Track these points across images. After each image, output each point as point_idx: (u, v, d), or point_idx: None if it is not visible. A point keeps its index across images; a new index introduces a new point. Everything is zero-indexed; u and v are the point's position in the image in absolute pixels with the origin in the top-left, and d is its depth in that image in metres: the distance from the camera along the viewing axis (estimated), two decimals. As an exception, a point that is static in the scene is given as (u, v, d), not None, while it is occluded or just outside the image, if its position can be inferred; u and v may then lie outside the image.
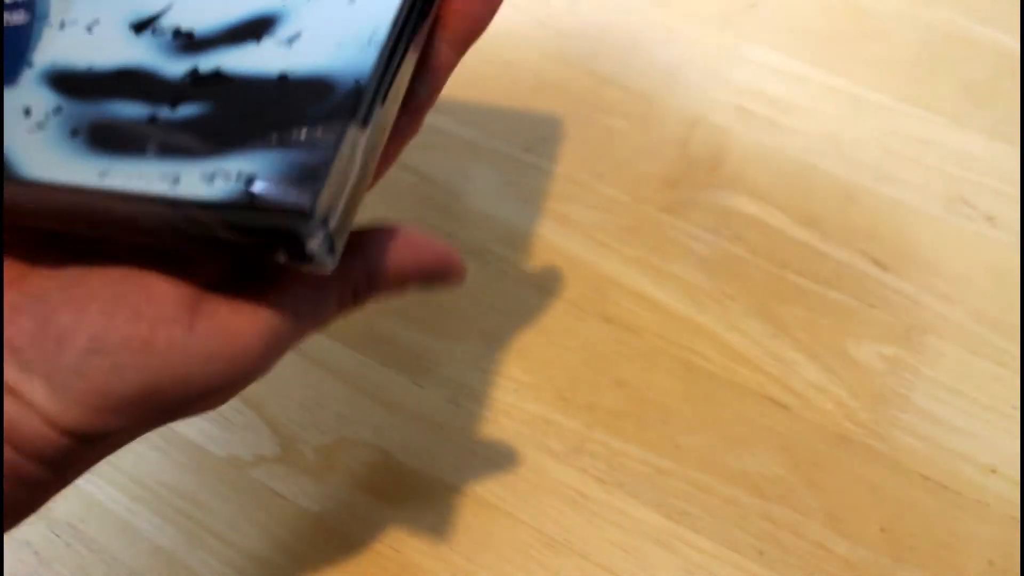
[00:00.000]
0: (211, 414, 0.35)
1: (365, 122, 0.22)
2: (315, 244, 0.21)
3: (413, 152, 0.43)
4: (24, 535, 0.35)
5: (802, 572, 0.32)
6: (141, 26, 0.25)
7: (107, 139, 0.23)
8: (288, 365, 0.36)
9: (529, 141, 0.44)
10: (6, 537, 0.34)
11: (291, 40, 0.24)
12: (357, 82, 0.23)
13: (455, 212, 0.42)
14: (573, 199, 0.42)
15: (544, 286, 0.40)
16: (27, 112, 0.24)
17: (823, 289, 0.40)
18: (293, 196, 0.21)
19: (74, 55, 0.25)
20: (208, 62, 0.24)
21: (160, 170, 0.22)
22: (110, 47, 0.25)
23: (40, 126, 0.24)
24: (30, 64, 0.25)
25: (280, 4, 0.25)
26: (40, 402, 0.21)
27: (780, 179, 0.44)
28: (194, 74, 0.24)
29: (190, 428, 0.36)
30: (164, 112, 0.23)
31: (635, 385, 0.37)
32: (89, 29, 0.26)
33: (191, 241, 0.23)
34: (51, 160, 0.23)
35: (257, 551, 0.32)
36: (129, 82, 0.24)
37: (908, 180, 0.45)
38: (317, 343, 0.38)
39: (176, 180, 0.22)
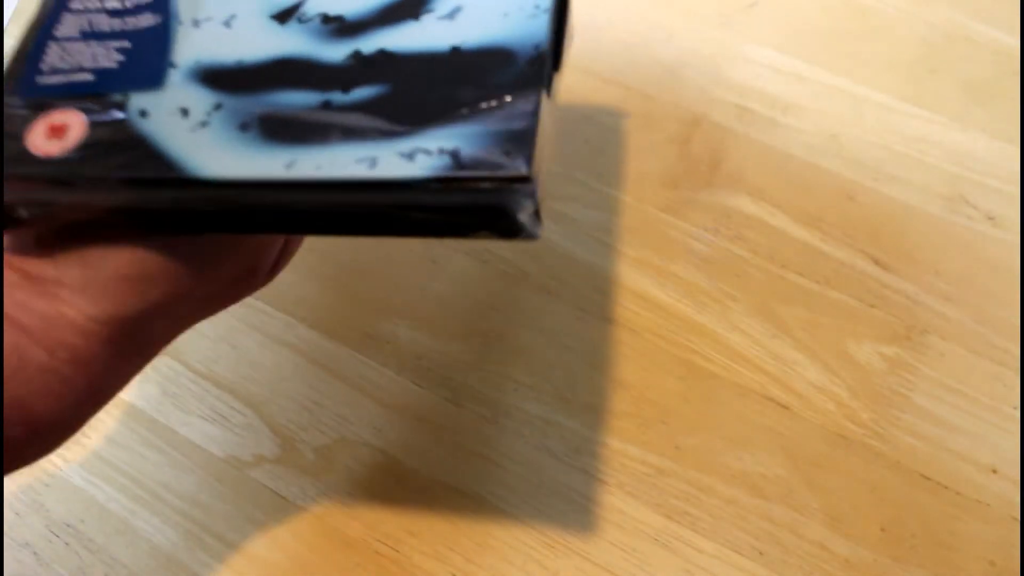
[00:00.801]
0: (210, 414, 0.35)
1: (549, 87, 0.22)
2: (526, 214, 0.21)
3: (413, 152, 0.43)
4: (23, 535, 0.35)
5: (802, 572, 0.32)
6: (283, 16, 0.25)
7: (283, 130, 0.22)
8: (288, 365, 0.36)
9: (529, 140, 0.44)
10: (5, 538, 0.34)
11: (452, 14, 0.24)
12: (537, 48, 0.22)
13: (455, 212, 0.42)
14: (573, 199, 0.42)
15: (544, 286, 0.40)
16: (185, 112, 0.23)
17: (824, 289, 0.40)
18: (508, 163, 0.20)
19: (219, 51, 0.24)
20: (370, 44, 0.24)
21: (353, 154, 0.21)
22: (256, 39, 0.25)
23: (204, 124, 0.23)
24: (173, 65, 0.24)
25: None
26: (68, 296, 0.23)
27: (781, 179, 0.44)
28: (358, 56, 0.23)
29: (189, 429, 0.36)
30: (337, 96, 0.23)
31: (635, 385, 0.37)
32: (227, 24, 0.25)
33: (375, 226, 0.23)
34: (226, 157, 0.22)
35: (256, 551, 0.32)
36: (289, 71, 0.24)
37: (909, 180, 0.45)
38: (317, 343, 0.38)
39: (373, 163, 0.21)
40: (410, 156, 0.21)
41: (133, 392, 0.35)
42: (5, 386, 0.22)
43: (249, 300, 0.38)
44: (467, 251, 0.41)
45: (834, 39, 0.51)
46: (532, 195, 0.21)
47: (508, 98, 0.22)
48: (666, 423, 0.36)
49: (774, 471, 0.34)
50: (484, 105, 0.21)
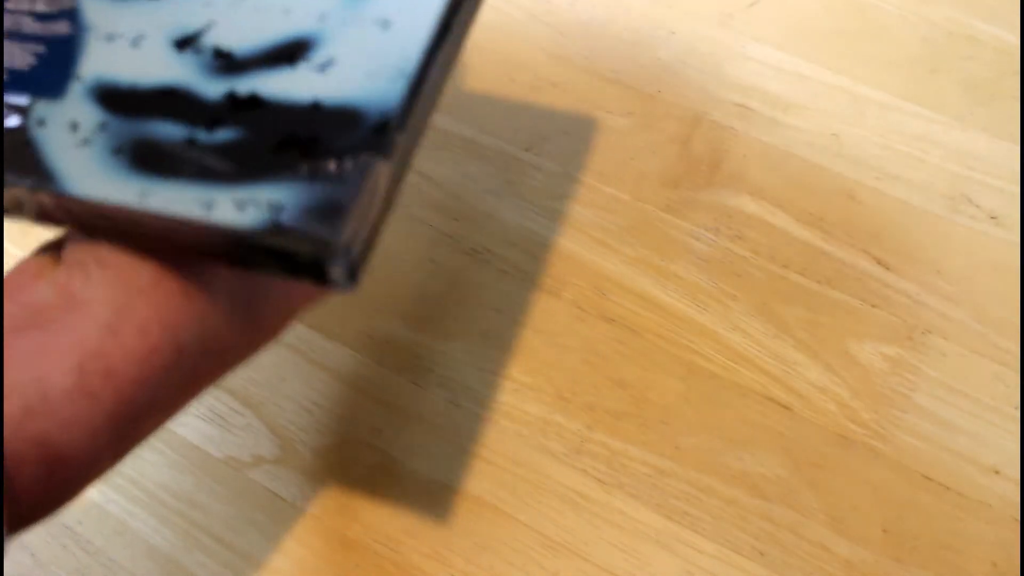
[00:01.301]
0: (210, 414, 0.35)
1: (389, 155, 0.23)
2: (338, 272, 0.22)
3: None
4: (21, 537, 0.34)
5: (803, 573, 0.32)
6: (184, 43, 0.26)
7: (148, 159, 0.23)
8: (287, 365, 0.36)
9: (529, 140, 0.44)
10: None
11: (324, 66, 0.24)
12: (383, 115, 0.23)
13: (455, 212, 0.41)
14: (573, 198, 0.42)
15: (544, 286, 0.39)
16: (74, 127, 0.24)
17: (825, 289, 0.40)
18: (317, 229, 0.21)
19: (120, 70, 0.25)
20: (245, 85, 0.24)
21: (197, 195, 0.22)
22: (154, 64, 0.25)
23: (86, 142, 0.24)
24: (78, 77, 0.25)
25: (317, 27, 0.25)
26: None
27: (782, 178, 0.44)
28: (231, 97, 0.24)
29: (188, 429, 0.36)
30: (202, 135, 0.24)
31: (636, 385, 0.37)
32: (135, 43, 0.26)
33: (221, 255, 0.23)
34: (95, 177, 0.23)
35: (255, 553, 0.32)
36: (170, 101, 0.25)
37: (910, 179, 0.44)
38: (317, 343, 0.38)
39: (210, 206, 0.22)
40: (242, 206, 0.22)
41: (132, 392, 0.35)
42: (23, 425, 0.21)
43: (248, 300, 0.38)
44: (467, 251, 0.40)
45: (835, 38, 0.51)
46: (344, 257, 0.22)
47: (345, 163, 0.22)
48: (666, 423, 0.36)
49: (775, 471, 0.34)
50: (321, 167, 0.22)
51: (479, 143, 0.44)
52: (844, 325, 0.39)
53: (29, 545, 0.34)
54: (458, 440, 0.36)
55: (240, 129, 0.24)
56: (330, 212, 0.22)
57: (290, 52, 0.25)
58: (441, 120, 0.44)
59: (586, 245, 0.41)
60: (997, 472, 0.35)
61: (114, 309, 0.22)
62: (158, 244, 0.23)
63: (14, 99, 0.25)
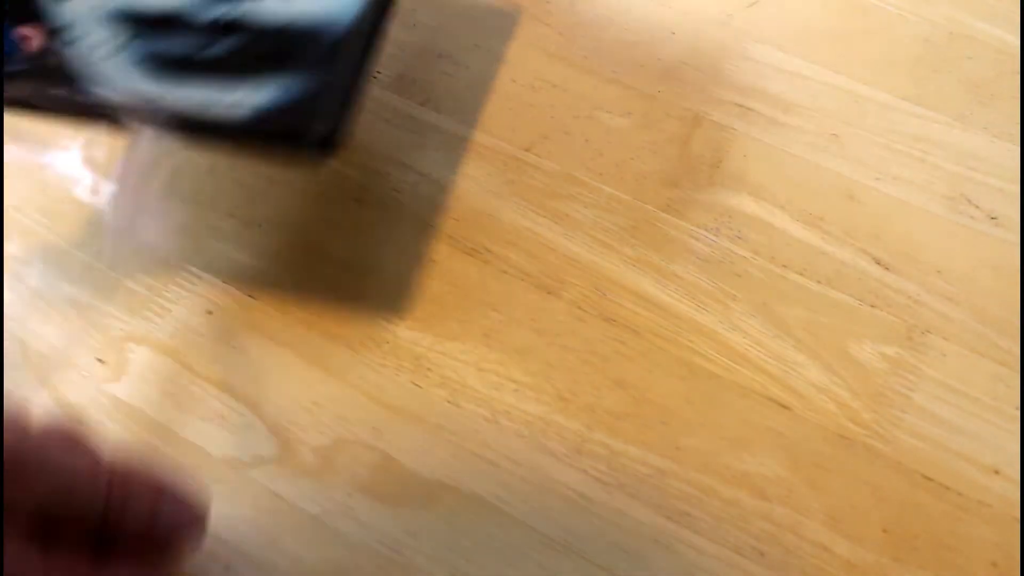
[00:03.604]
0: (208, 414, 0.35)
1: (341, 68, 0.32)
2: (310, 142, 0.31)
3: (413, 151, 0.43)
4: None
5: (803, 574, 0.32)
6: None
7: (164, 68, 0.32)
8: (287, 365, 0.36)
9: (529, 140, 0.44)
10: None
11: None
12: (343, 28, 0.32)
13: (455, 212, 0.41)
14: (573, 198, 0.42)
15: (544, 286, 0.39)
16: (102, 44, 0.33)
17: (825, 289, 0.40)
18: (292, 125, 0.31)
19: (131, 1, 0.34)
20: (233, 11, 0.33)
21: (200, 96, 0.31)
22: None
23: (112, 56, 0.32)
24: (98, 6, 0.34)
25: None
26: None
27: (782, 178, 0.44)
28: (223, 19, 0.33)
29: (187, 429, 0.36)
30: (202, 51, 0.32)
31: (636, 386, 0.37)
32: None
33: (206, 140, 0.33)
34: (124, 82, 0.32)
35: (254, 553, 0.32)
36: (177, 23, 0.33)
37: (910, 179, 0.44)
38: (317, 343, 0.38)
39: (206, 107, 0.31)
40: (233, 105, 0.31)
41: (131, 392, 0.35)
42: None
43: (248, 300, 0.38)
44: (467, 251, 0.40)
45: (835, 38, 0.51)
46: (310, 137, 0.31)
47: (306, 68, 0.32)
48: (666, 423, 0.36)
49: (775, 472, 0.34)
50: (294, 74, 0.31)
51: (479, 143, 0.44)
52: (844, 325, 0.39)
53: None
54: (458, 440, 0.36)
55: (232, 45, 0.32)
56: (297, 108, 0.30)
57: None
58: (442, 120, 0.45)
59: (586, 245, 0.41)
60: (997, 472, 0.35)
61: None
62: (158, 126, 0.31)
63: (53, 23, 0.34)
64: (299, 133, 0.30)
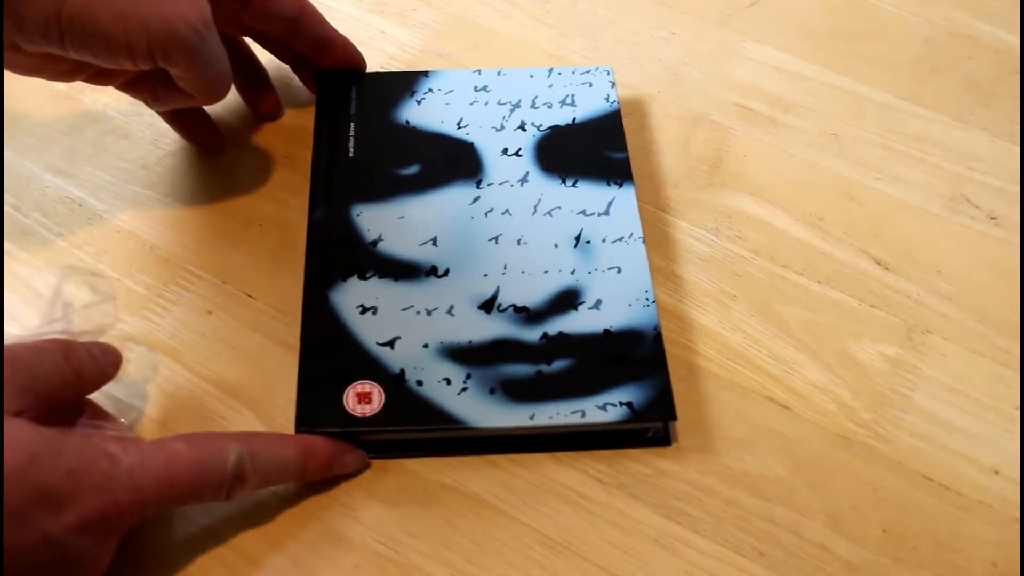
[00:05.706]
0: (209, 414, 0.35)
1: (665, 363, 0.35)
2: (666, 434, 0.35)
3: (412, 151, 0.43)
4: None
5: (803, 574, 0.32)
6: (486, 305, 0.36)
7: (518, 392, 0.33)
8: (287, 365, 0.36)
9: (529, 140, 0.44)
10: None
11: (597, 305, 0.36)
12: (655, 329, 0.35)
13: (455, 211, 0.41)
14: (573, 198, 0.42)
15: (544, 286, 0.39)
16: (448, 382, 0.34)
17: (824, 289, 0.40)
18: (660, 412, 0.34)
19: (454, 334, 0.35)
20: (552, 328, 0.35)
21: (569, 408, 0.33)
22: (475, 325, 0.35)
23: (464, 390, 0.33)
24: (426, 345, 0.34)
25: (573, 279, 0.37)
26: None
27: (781, 178, 0.44)
28: (547, 336, 0.35)
29: (186, 429, 0.36)
30: (544, 367, 0.34)
31: (636, 385, 0.37)
32: (450, 312, 0.35)
33: (568, 446, 0.34)
34: (487, 412, 0.33)
35: (254, 552, 0.32)
36: (506, 348, 0.35)
37: (910, 179, 0.44)
38: (316, 343, 0.38)
39: (583, 414, 0.33)
40: (604, 408, 0.33)
41: (131, 392, 0.35)
42: (87, 499, 0.26)
43: (248, 300, 0.38)
44: (467, 251, 0.40)
45: (835, 38, 0.51)
46: (668, 425, 0.35)
47: (648, 367, 0.34)
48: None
49: (775, 472, 0.34)
50: (639, 373, 0.34)
51: (479, 143, 0.44)
52: (844, 325, 0.39)
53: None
54: (458, 440, 0.36)
55: (568, 359, 0.34)
56: (661, 399, 0.33)
57: (569, 300, 0.36)
58: (441, 120, 0.44)
59: (586, 245, 0.40)
60: (997, 472, 0.35)
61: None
62: (520, 448, 0.34)
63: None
64: (646, 432, 0.34)
